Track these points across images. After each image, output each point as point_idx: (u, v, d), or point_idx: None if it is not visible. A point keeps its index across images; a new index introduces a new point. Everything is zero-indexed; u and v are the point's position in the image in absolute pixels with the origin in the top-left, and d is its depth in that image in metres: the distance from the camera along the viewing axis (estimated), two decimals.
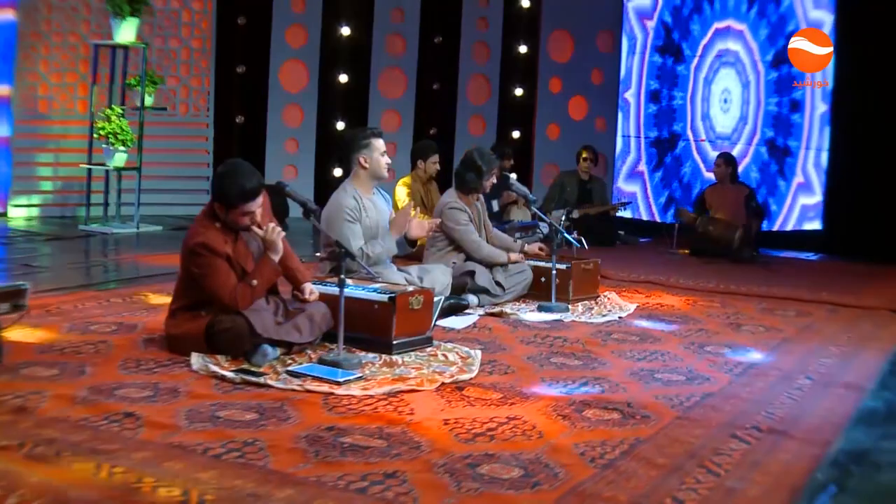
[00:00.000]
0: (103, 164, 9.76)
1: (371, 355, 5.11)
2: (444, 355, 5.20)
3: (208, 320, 4.91)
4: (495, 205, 10.04)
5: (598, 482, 3.48)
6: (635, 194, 12.73)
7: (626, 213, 12.31)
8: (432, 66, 12.90)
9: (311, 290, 5.27)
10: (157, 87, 10.02)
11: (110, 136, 9.41)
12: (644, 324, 6.47)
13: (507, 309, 6.62)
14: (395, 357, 5.10)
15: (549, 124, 13.36)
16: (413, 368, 4.92)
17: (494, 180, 7.26)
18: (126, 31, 9.54)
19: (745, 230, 9.89)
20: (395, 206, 8.76)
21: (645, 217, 12.72)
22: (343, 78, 12.31)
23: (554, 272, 6.77)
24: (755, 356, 5.66)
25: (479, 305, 6.72)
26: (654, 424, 4.20)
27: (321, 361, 4.89)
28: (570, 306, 6.83)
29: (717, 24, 11.99)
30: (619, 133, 12.98)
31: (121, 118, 9.50)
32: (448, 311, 6.33)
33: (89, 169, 9.91)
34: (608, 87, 13.13)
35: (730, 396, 4.73)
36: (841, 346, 6.01)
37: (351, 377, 4.63)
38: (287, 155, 12.07)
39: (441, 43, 12.89)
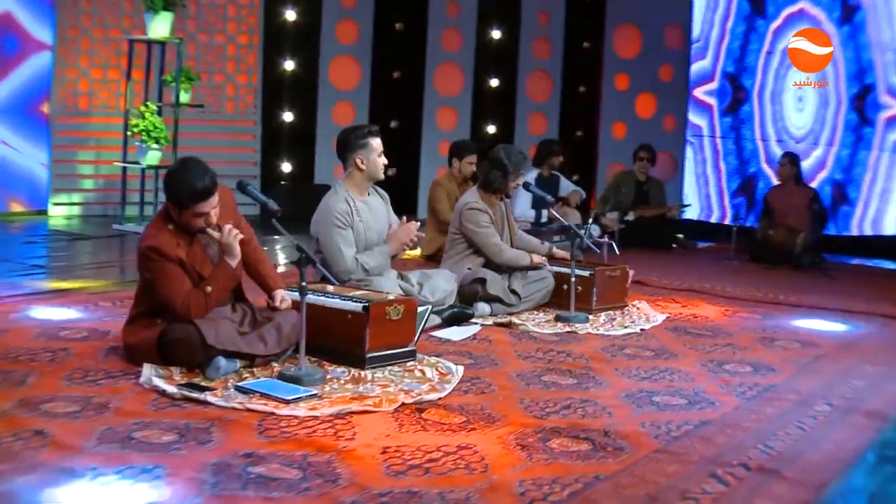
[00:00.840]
0: (137, 163, 9.51)
1: (340, 370, 4.69)
2: (421, 371, 4.74)
3: (160, 329, 4.55)
4: (544, 214, 9.52)
5: None
6: (708, 196, 12.06)
7: (692, 216, 11.71)
8: (491, 61, 12.43)
9: (283, 297, 4.88)
10: (192, 84, 9.74)
11: (143, 133, 9.17)
12: (666, 337, 5.91)
13: (517, 319, 6.12)
14: (365, 372, 4.66)
15: (614, 122, 12.80)
16: (380, 386, 4.47)
17: (521, 181, 6.73)
18: (160, 26, 9.29)
19: (809, 235, 9.18)
20: (428, 206, 8.35)
21: (715, 220, 12.02)
22: (396, 74, 11.93)
23: (573, 279, 6.25)
24: (778, 376, 5.06)
25: (492, 315, 6.24)
26: (626, 458, 3.67)
27: (281, 376, 4.48)
28: (591, 316, 6.30)
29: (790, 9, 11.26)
30: (689, 132, 12.34)
31: (154, 115, 9.25)
32: (451, 321, 5.88)
33: (124, 167, 9.69)
34: (678, 84, 12.49)
35: (729, 425, 4.16)
36: (879, 366, 5.35)
37: (303, 395, 4.21)
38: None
39: (500, 38, 12.40)
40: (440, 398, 4.34)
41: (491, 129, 12.46)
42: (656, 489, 3.37)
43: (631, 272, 6.85)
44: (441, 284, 5.92)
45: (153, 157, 9.32)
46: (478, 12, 12.22)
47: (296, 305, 4.85)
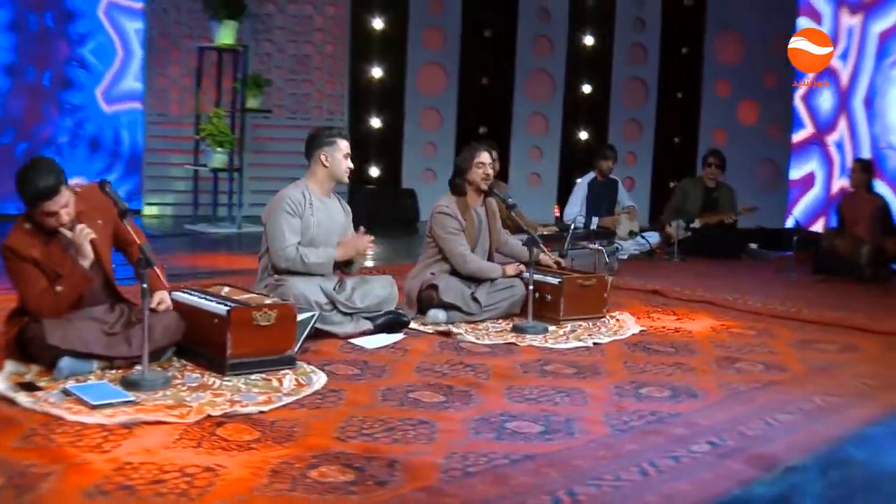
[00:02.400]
0: (205, 166, 9.41)
1: (194, 375, 4.24)
2: (279, 380, 4.22)
3: (20, 326, 4.25)
4: (594, 221, 8.76)
5: None
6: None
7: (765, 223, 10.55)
8: (582, 68, 11.66)
9: (162, 299, 4.47)
10: (262, 90, 9.54)
11: (209, 137, 9.05)
12: (615, 352, 5.12)
13: (456, 328, 5.48)
14: (219, 380, 4.19)
15: (714, 130, 11.76)
16: (215, 394, 3.99)
17: (491, 171, 5.97)
18: (226, 34, 9.15)
19: (874, 246, 7.98)
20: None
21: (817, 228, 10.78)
22: (484, 81, 11.36)
23: (531, 287, 5.56)
24: (692, 404, 4.23)
25: (449, 322, 5.62)
26: (377, 495, 3.03)
27: (123, 380, 4.08)
28: (553, 327, 5.58)
29: None
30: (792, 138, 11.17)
31: (220, 120, 9.11)
32: (384, 327, 5.31)
33: (195, 170, 9.62)
34: (784, 91, 11.34)
35: (557, 461, 3.40)
36: (833, 398, 4.37)
37: (115, 400, 3.78)
38: (425, 159, 11.29)
39: (592, 44, 11.62)
40: (261, 411, 3.81)
41: (583, 135, 11.71)
42: None
43: (609, 279, 6.07)
44: (375, 290, 5.35)
45: (218, 160, 9.18)
46: (569, 19, 11.48)
47: (177, 307, 4.49)
